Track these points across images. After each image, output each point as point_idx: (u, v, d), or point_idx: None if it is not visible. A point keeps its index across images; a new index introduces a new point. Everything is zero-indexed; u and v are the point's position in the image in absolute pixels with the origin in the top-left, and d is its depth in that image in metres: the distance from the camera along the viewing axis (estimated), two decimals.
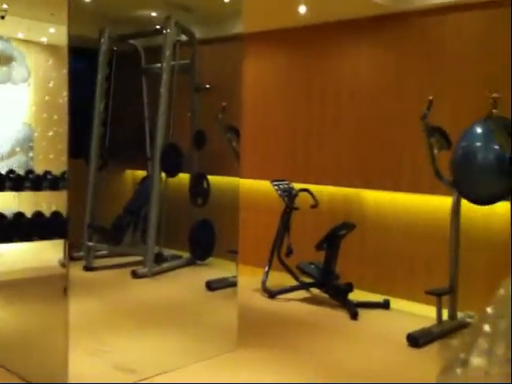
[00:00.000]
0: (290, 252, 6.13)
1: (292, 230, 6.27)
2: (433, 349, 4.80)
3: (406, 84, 6.14)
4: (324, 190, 6.68)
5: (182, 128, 7.05)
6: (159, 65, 6.72)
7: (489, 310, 1.49)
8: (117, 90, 6.87)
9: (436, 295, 5.08)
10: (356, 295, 5.94)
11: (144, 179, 7.17)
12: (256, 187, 7.23)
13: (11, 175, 6.01)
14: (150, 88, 7.16)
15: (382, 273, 6.31)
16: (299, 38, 7.07)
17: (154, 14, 6.79)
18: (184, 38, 6.81)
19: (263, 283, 6.26)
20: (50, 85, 7.69)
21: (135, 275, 6.29)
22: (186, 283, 6.47)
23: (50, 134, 7.60)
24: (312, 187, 6.39)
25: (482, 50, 5.58)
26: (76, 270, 6.11)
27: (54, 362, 3.77)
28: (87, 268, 6.47)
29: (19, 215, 5.85)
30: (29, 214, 5.89)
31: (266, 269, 6.31)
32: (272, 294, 6.16)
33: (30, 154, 7.76)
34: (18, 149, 7.61)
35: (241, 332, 4.66)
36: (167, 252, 6.83)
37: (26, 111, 7.89)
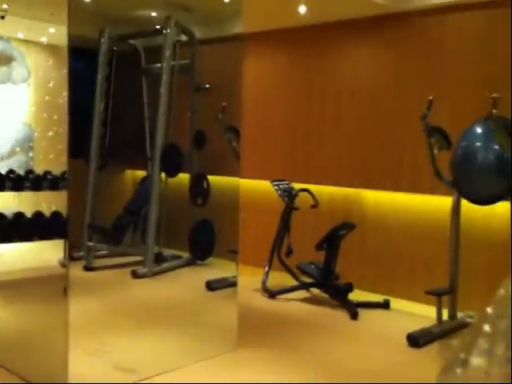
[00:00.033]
0: (290, 252, 6.13)
1: (292, 230, 6.27)
2: (433, 349, 4.81)
3: (406, 84, 6.14)
4: (324, 190, 6.68)
5: (182, 128, 7.05)
6: (159, 65, 6.72)
7: (489, 310, 1.49)
8: (117, 90, 6.87)
9: (436, 295, 5.08)
10: (356, 295, 5.94)
11: (144, 179, 7.17)
12: (256, 187, 7.23)
13: (11, 175, 6.01)
14: (149, 88, 7.16)
15: (382, 273, 6.31)
16: (299, 38, 7.07)
17: (153, 14, 6.79)
18: (184, 38, 6.81)
19: (263, 283, 6.26)
20: (50, 85, 7.70)
21: (135, 275, 6.29)
22: (186, 283, 6.47)
23: (50, 134, 7.60)
24: (312, 187, 6.39)
25: (482, 50, 5.58)
26: (76, 270, 6.11)
27: (54, 361, 3.77)
28: (87, 268, 6.47)
29: (19, 215, 5.85)
30: (29, 214, 5.89)
31: (266, 269, 6.31)
32: (272, 294, 6.16)
33: (30, 154, 7.76)
34: (18, 149, 7.61)
35: (241, 332, 4.66)
36: (167, 252, 6.83)
37: (26, 111, 7.89)
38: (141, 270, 6.37)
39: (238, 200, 5.23)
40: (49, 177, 6.05)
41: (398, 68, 6.22)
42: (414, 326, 5.01)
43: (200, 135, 6.84)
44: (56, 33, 6.95)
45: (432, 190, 5.67)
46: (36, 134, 7.83)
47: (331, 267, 6.00)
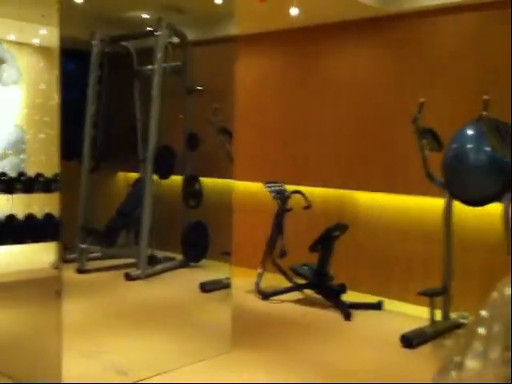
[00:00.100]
0: (283, 254, 6.14)
1: (285, 232, 6.28)
2: (426, 349, 4.82)
3: (399, 86, 6.16)
4: (317, 192, 6.69)
5: (174, 130, 7.05)
6: (151, 67, 6.72)
7: (483, 312, 1.50)
8: (109, 91, 6.87)
9: (429, 296, 5.10)
10: (350, 297, 5.95)
11: (137, 181, 7.17)
12: (249, 189, 7.24)
13: (3, 177, 6.00)
14: (142, 90, 7.15)
15: (376, 274, 6.32)
16: (292, 39, 7.06)
17: (145, 15, 6.79)
18: (176, 39, 6.81)
19: (257, 285, 6.26)
20: (42, 87, 7.68)
21: (128, 277, 6.29)
22: (179, 285, 6.47)
23: (42, 136, 7.58)
24: (305, 189, 6.39)
25: (476, 52, 5.60)
26: (69, 273, 6.11)
27: (48, 363, 3.76)
28: (80, 270, 6.47)
29: (11, 217, 5.84)
30: (21, 217, 5.88)
31: (260, 270, 6.31)
32: (266, 296, 6.16)
33: (22, 156, 7.73)
34: (9, 151, 7.59)
35: (235, 333, 4.66)
36: (160, 254, 6.83)
37: (17, 113, 7.87)
38: (134, 272, 6.37)
39: (231, 202, 5.24)
40: (41, 179, 6.05)
41: (393, 70, 6.23)
42: (408, 327, 5.03)
43: (193, 137, 6.85)
44: (48, 34, 6.93)
45: (426, 192, 5.68)
46: (28, 136, 7.81)
47: (325, 268, 6.01)
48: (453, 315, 5.33)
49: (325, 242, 5.93)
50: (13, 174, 6.27)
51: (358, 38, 6.52)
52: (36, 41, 7.68)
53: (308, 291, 6.22)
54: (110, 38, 6.92)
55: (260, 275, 6.29)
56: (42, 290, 4.36)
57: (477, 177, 4.79)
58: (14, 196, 6.00)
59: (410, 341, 4.83)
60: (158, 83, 6.58)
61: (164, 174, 6.73)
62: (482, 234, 5.47)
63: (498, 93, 5.04)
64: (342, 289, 5.90)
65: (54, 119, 3.81)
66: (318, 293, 6.07)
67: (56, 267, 3.94)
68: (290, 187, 6.45)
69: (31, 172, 6.52)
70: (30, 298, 5.17)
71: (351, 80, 6.56)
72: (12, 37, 7.51)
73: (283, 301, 6.09)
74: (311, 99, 6.89)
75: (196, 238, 6.97)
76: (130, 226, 6.92)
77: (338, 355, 4.68)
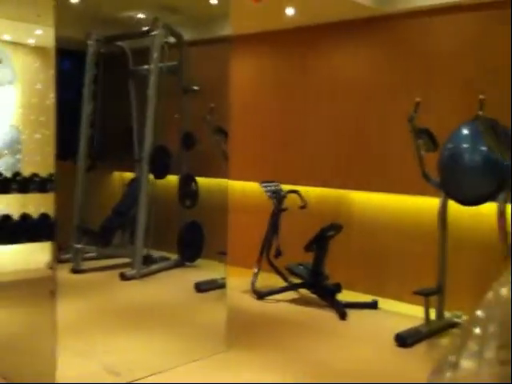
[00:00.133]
0: (278, 253, 6.15)
1: (281, 232, 6.29)
2: (421, 348, 4.84)
3: (394, 85, 6.17)
4: (313, 192, 6.69)
5: (170, 130, 7.06)
6: (147, 67, 6.72)
7: (479, 312, 1.50)
8: (104, 91, 6.87)
9: (423, 295, 5.11)
10: (346, 296, 5.96)
11: (132, 181, 7.17)
12: (245, 189, 7.24)
13: None
14: (137, 90, 7.16)
15: (371, 273, 6.34)
16: (288, 39, 7.07)
17: (141, 15, 6.79)
18: (172, 39, 6.81)
19: (252, 284, 6.27)
20: (38, 87, 7.66)
21: (124, 277, 6.29)
22: (174, 285, 6.47)
23: (38, 136, 7.57)
24: (301, 188, 6.40)
25: (471, 52, 5.62)
26: (64, 273, 6.11)
27: (42, 363, 3.75)
28: (75, 270, 6.46)
29: (6, 217, 5.83)
30: (16, 216, 5.87)
31: (255, 270, 6.32)
32: (261, 295, 6.17)
33: (18, 156, 7.71)
34: (5, 151, 7.57)
35: (230, 333, 4.67)
36: (156, 254, 6.83)
37: (13, 113, 7.85)
38: (129, 271, 6.37)
39: (226, 201, 5.24)
40: (36, 179, 6.03)
41: (391, 70, 6.24)
42: (402, 326, 5.04)
43: (188, 137, 6.85)
44: (43, 34, 6.92)
45: (421, 191, 5.70)
46: (23, 136, 7.80)
47: (320, 268, 6.02)
48: (447, 314, 5.35)
49: (319, 242, 5.94)
50: (8, 174, 6.26)
51: (355, 38, 6.52)
52: (31, 41, 7.66)
53: (303, 291, 6.23)
54: (106, 38, 6.92)
55: (255, 275, 6.30)
56: (36, 290, 4.36)
57: (472, 177, 4.80)
58: (10, 196, 5.99)
59: (405, 340, 4.84)
60: (154, 83, 6.59)
61: (159, 174, 6.73)
62: (476, 233, 5.49)
63: (497, 93, 5.05)
64: (338, 288, 5.92)
65: (49, 119, 3.81)
66: (314, 292, 6.08)
67: (51, 267, 3.94)
68: (286, 187, 6.46)
69: (26, 172, 6.51)
70: (24, 298, 5.17)
71: (347, 80, 6.57)
72: (7, 37, 7.49)
73: (278, 300, 6.10)
74: (307, 99, 6.90)
75: (191, 237, 6.98)
76: (126, 225, 6.93)
77: (333, 354, 4.69)
